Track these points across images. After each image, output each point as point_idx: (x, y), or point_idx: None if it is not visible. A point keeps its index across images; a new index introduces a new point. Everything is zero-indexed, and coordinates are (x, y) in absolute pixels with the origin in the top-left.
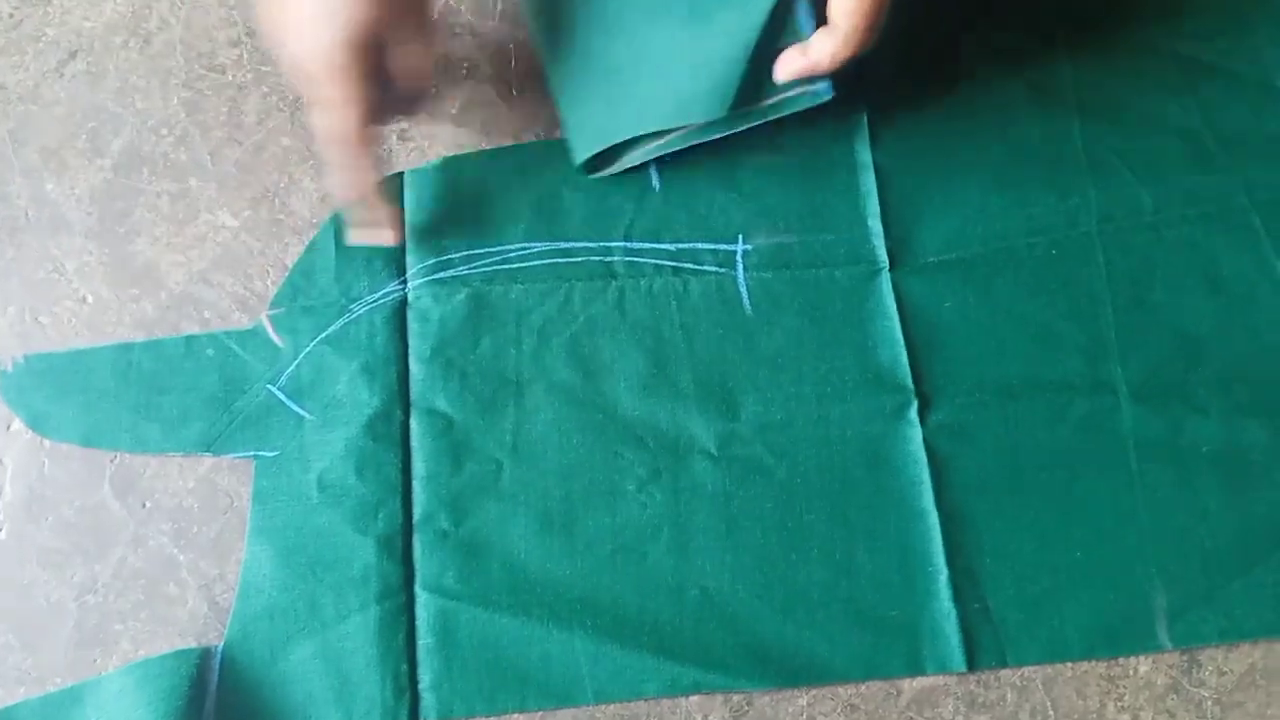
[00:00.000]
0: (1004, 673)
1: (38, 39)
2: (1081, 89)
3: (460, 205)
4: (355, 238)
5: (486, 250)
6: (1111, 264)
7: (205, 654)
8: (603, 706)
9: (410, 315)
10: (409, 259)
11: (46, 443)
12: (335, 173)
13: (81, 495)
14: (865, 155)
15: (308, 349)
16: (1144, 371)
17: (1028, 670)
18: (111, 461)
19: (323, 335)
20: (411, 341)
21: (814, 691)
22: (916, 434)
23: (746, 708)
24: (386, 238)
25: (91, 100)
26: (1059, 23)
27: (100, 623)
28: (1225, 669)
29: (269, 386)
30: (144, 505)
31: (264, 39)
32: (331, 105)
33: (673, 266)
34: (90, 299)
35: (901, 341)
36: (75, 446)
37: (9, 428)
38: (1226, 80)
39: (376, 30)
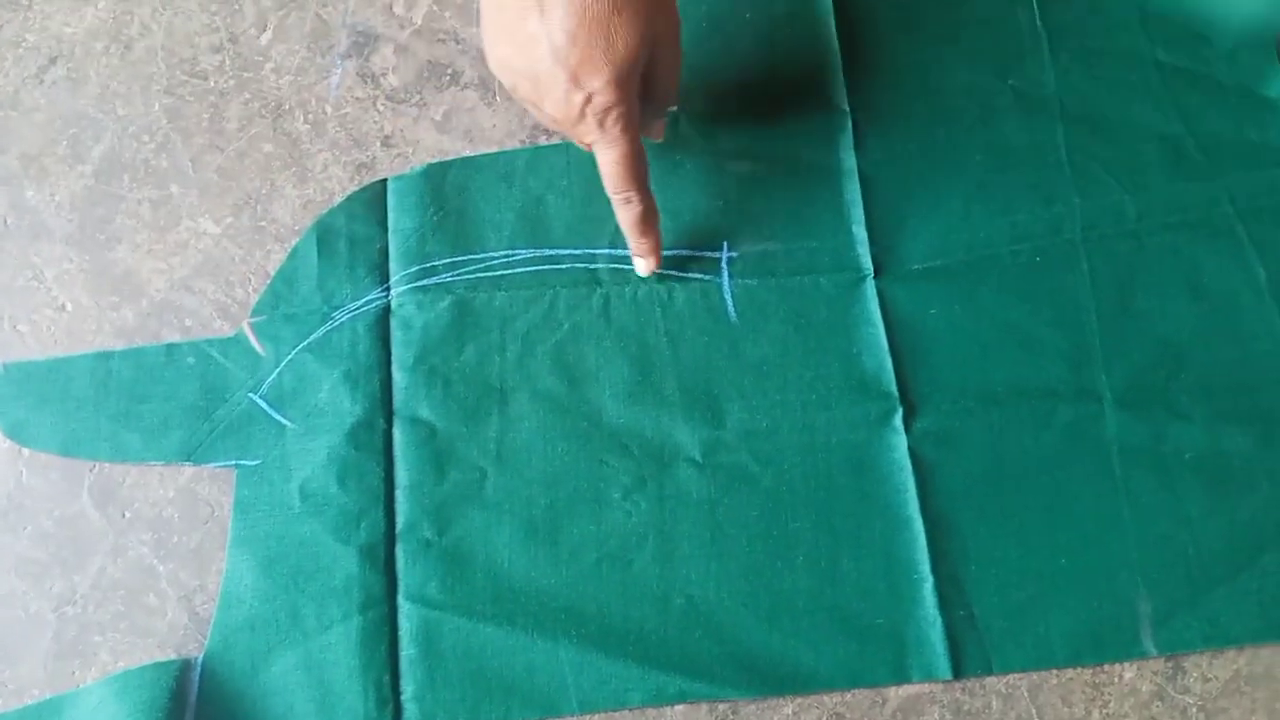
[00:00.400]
0: (989, 680)
1: (17, 45)
2: (1065, 96)
3: (444, 213)
4: (644, 269)
5: (470, 257)
6: (1095, 271)
7: (185, 665)
8: (588, 716)
9: (393, 323)
10: (392, 266)
11: (25, 452)
12: (624, 206)
13: (60, 505)
14: (850, 162)
15: (289, 357)
16: (1128, 378)
17: (1013, 677)
18: (91, 471)
19: (305, 343)
20: (394, 349)
21: (799, 700)
22: (901, 441)
23: (732, 716)
24: (652, 265)
25: (72, 106)
26: (1042, 30)
27: (79, 634)
28: (1210, 675)
29: (250, 395)
30: (124, 515)
31: (513, 96)
32: (612, 140)
33: (657, 274)
34: (70, 307)
35: (886, 349)
36: (54, 455)
37: None
38: (1209, 87)
39: (644, 54)
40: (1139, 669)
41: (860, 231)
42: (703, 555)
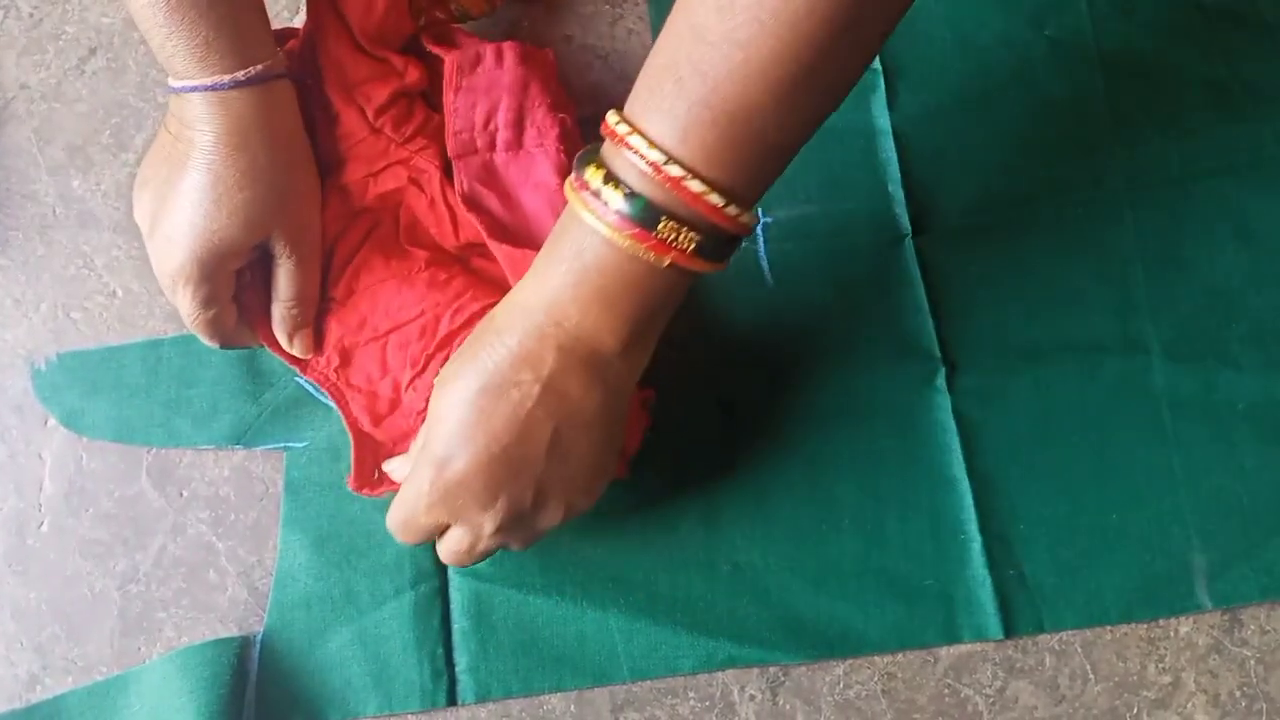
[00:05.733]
0: (1042, 637)
1: (57, 37)
2: (1104, 43)
3: None
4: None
5: None
6: (1140, 221)
7: (245, 642)
8: (639, 683)
9: None
10: None
11: (83, 437)
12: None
13: (120, 486)
14: (884, 121)
15: None
16: (1176, 329)
17: (1066, 634)
18: (148, 453)
19: None
20: None
21: (850, 661)
22: (945, 401)
23: (783, 678)
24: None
25: (113, 96)
26: None
27: (144, 611)
28: (1268, 627)
29: (297, 378)
30: (181, 494)
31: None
32: (182, 313)
33: None
34: (120, 293)
35: (927, 308)
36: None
37: (46, 423)
38: (1253, 29)
39: (232, 250)
40: (1195, 623)
41: (897, 191)
42: (748, 521)
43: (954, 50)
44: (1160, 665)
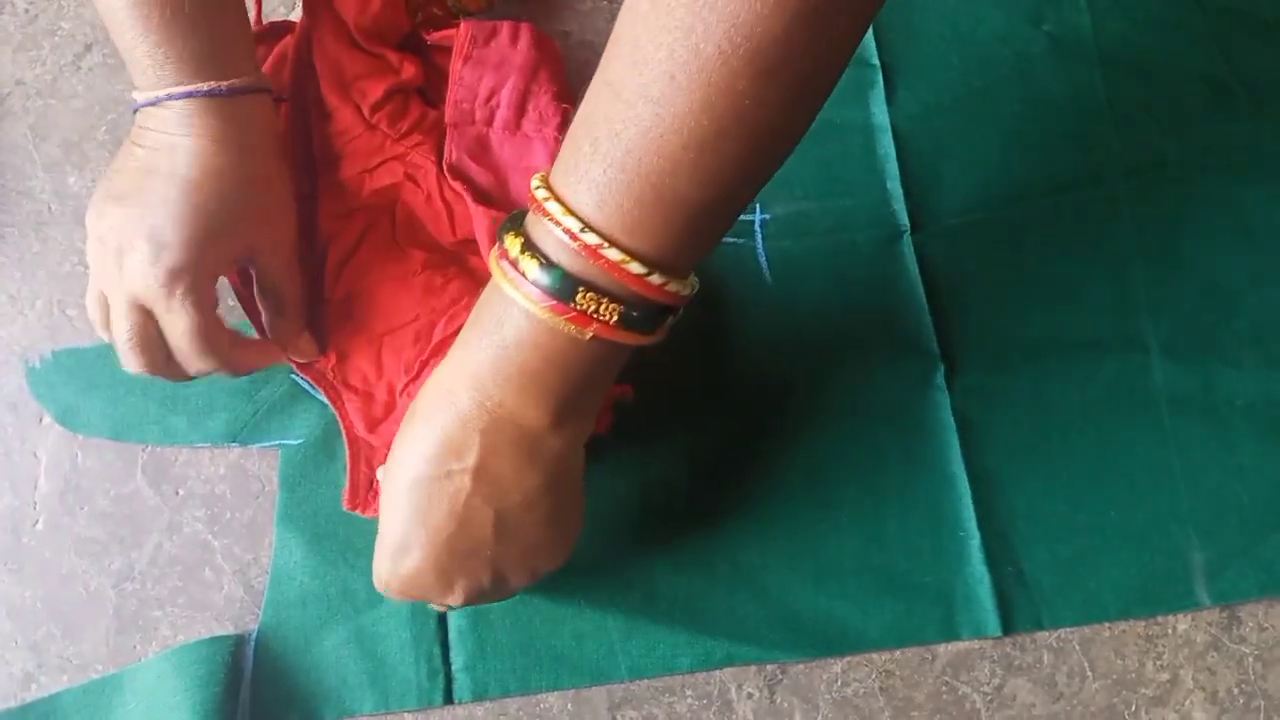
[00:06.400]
0: (1040, 635)
1: (53, 33)
2: (1103, 40)
3: None
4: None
5: None
6: (1138, 218)
7: (240, 641)
8: (637, 681)
9: None
10: None
11: (79, 435)
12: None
13: (115, 484)
14: (882, 117)
15: None
16: (1174, 326)
17: (1064, 631)
18: (144, 450)
19: None
20: None
21: (848, 659)
22: (944, 399)
23: (781, 676)
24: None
25: (109, 92)
26: None
27: (139, 609)
28: (1266, 624)
29: (292, 375)
30: (177, 492)
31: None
32: (177, 328)
33: None
34: None
35: (926, 306)
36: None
37: (41, 420)
38: (1252, 26)
39: (226, 252)
40: (1193, 620)
41: (895, 187)
42: (747, 519)
43: (952, 47)
44: (1158, 662)
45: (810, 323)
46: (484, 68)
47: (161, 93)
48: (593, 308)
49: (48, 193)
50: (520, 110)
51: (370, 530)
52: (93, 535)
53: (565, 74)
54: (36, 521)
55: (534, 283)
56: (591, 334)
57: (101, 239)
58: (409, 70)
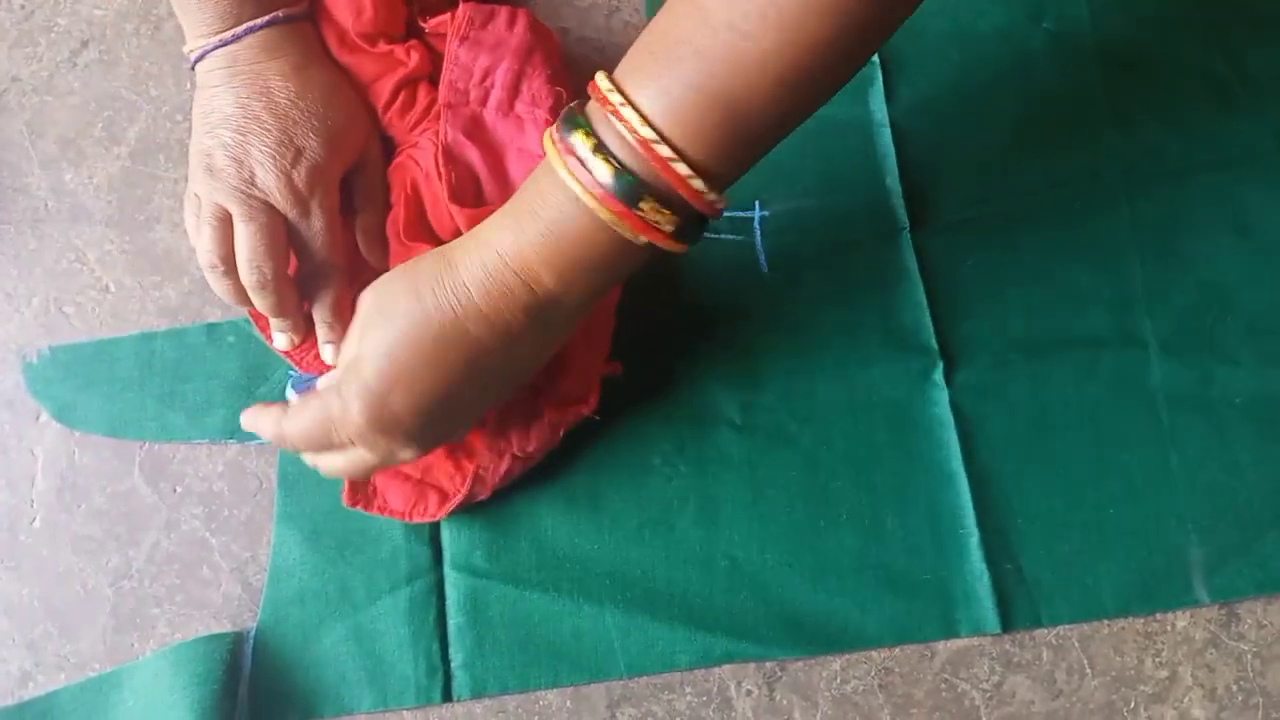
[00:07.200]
0: (1039, 632)
1: (49, 29)
2: (1102, 36)
3: None
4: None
5: None
6: (1137, 214)
7: (238, 638)
8: (636, 678)
9: None
10: None
11: (76, 431)
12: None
13: (113, 482)
14: (881, 114)
15: None
16: (1173, 323)
17: (1064, 629)
18: (141, 448)
19: None
20: None
21: (847, 656)
22: (943, 395)
23: (780, 673)
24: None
25: (106, 89)
26: None
27: (137, 607)
28: (1265, 621)
29: (290, 371)
30: (175, 490)
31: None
32: (312, 228)
33: None
34: (113, 287)
35: (924, 303)
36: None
37: (38, 418)
38: (1251, 21)
39: (351, 147)
40: (1192, 617)
41: (894, 184)
42: (745, 517)
43: (952, 43)
44: (1157, 660)
45: (809, 319)
46: (480, 48)
47: (242, 27)
48: (654, 216)
49: (44, 190)
50: (514, 91)
51: (369, 528)
52: (90, 533)
53: (561, 59)
54: (33, 519)
55: (602, 185)
56: (645, 239)
57: (219, 166)
58: (415, 59)
